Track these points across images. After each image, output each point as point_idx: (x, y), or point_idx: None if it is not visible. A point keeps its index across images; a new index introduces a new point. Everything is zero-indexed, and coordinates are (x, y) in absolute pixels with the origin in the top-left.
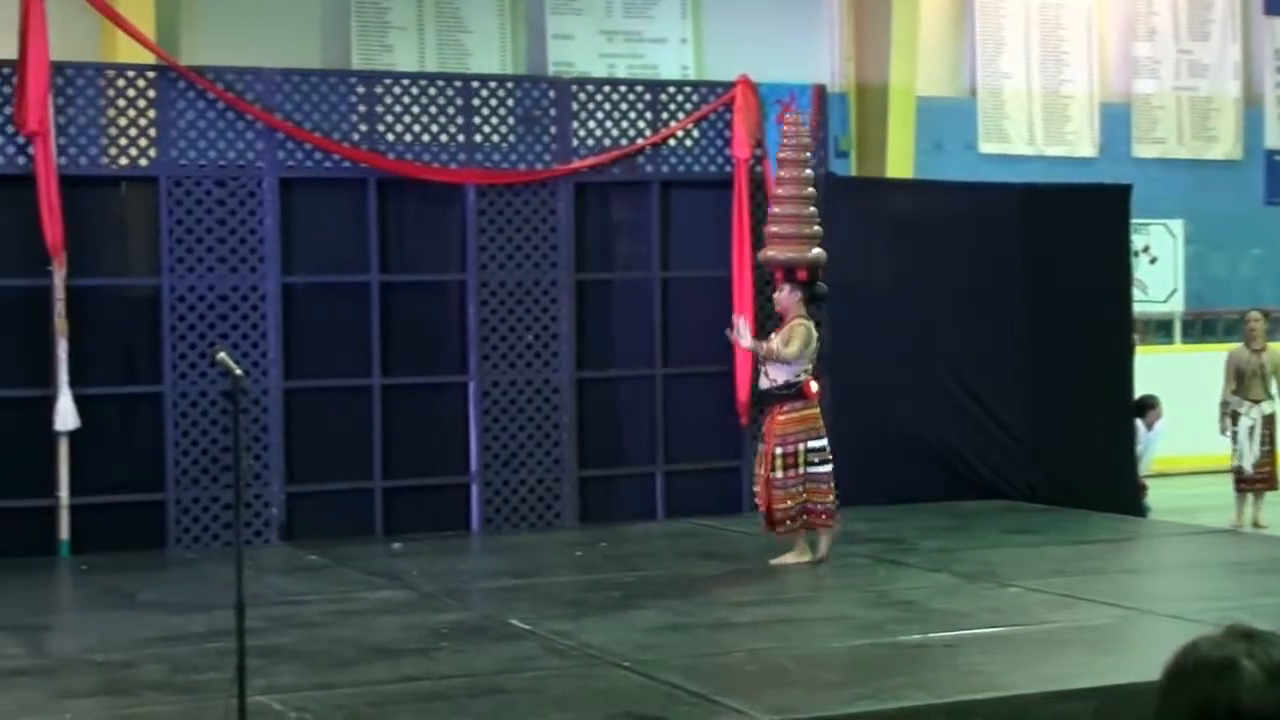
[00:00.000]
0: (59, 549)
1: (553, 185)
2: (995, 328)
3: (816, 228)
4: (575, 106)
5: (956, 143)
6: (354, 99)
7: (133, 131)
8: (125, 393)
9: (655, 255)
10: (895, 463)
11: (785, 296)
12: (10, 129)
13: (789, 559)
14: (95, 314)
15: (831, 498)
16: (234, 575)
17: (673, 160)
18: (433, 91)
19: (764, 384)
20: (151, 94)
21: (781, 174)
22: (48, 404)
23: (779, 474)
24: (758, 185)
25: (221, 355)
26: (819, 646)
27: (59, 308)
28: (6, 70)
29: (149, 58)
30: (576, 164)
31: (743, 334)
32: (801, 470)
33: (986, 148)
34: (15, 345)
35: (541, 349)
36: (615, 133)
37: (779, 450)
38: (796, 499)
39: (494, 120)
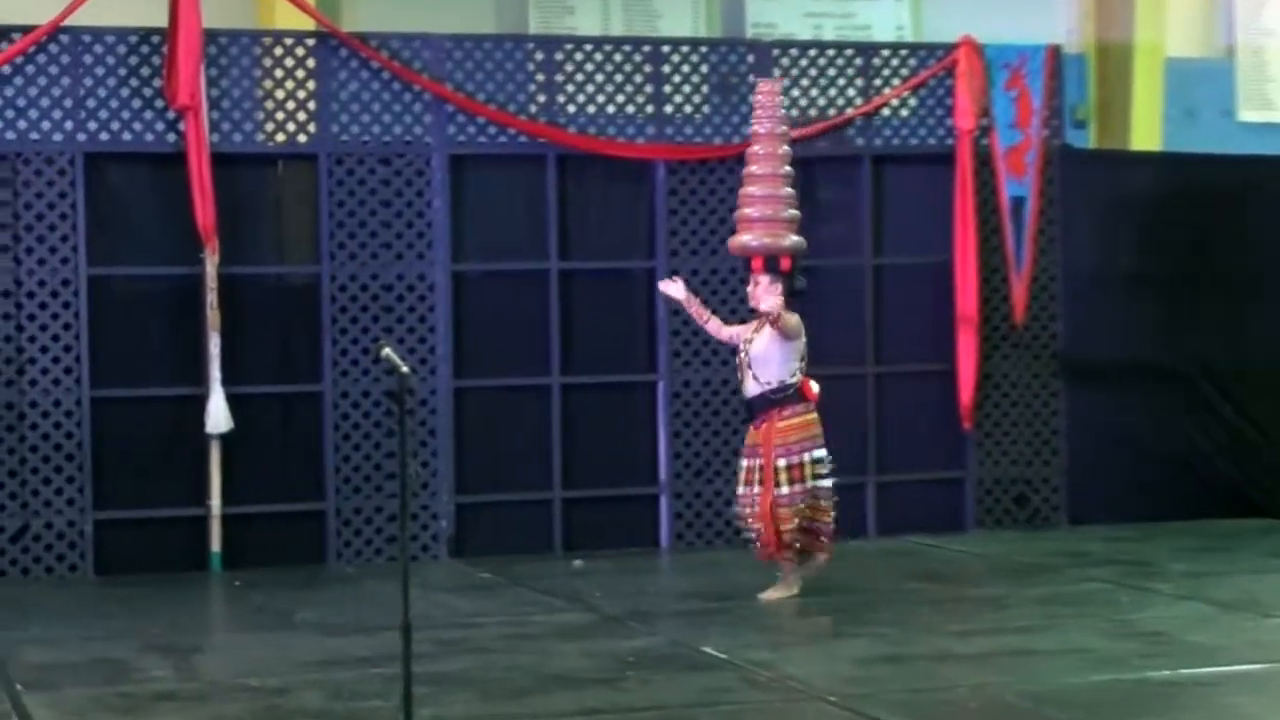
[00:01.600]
0: (210, 562)
1: None
2: (1258, 321)
3: (794, 211)
4: (777, 72)
5: (1212, 109)
6: (531, 67)
7: (290, 105)
8: (281, 392)
9: (866, 239)
10: (1138, 476)
11: (765, 289)
12: (159, 103)
13: (778, 592)
14: (249, 305)
15: (831, 518)
16: (399, 594)
17: (886, 132)
18: (618, 58)
19: (753, 388)
20: (311, 64)
21: (756, 149)
22: (198, 404)
23: (784, 490)
24: (983, 160)
25: (386, 351)
26: (1054, 682)
27: (211, 298)
28: (155, 40)
29: (308, 24)
30: None
31: (675, 286)
32: (809, 484)
33: (1247, 115)
34: (163, 339)
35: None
36: (822, 101)
37: (782, 462)
38: (803, 517)
39: (686, 89)
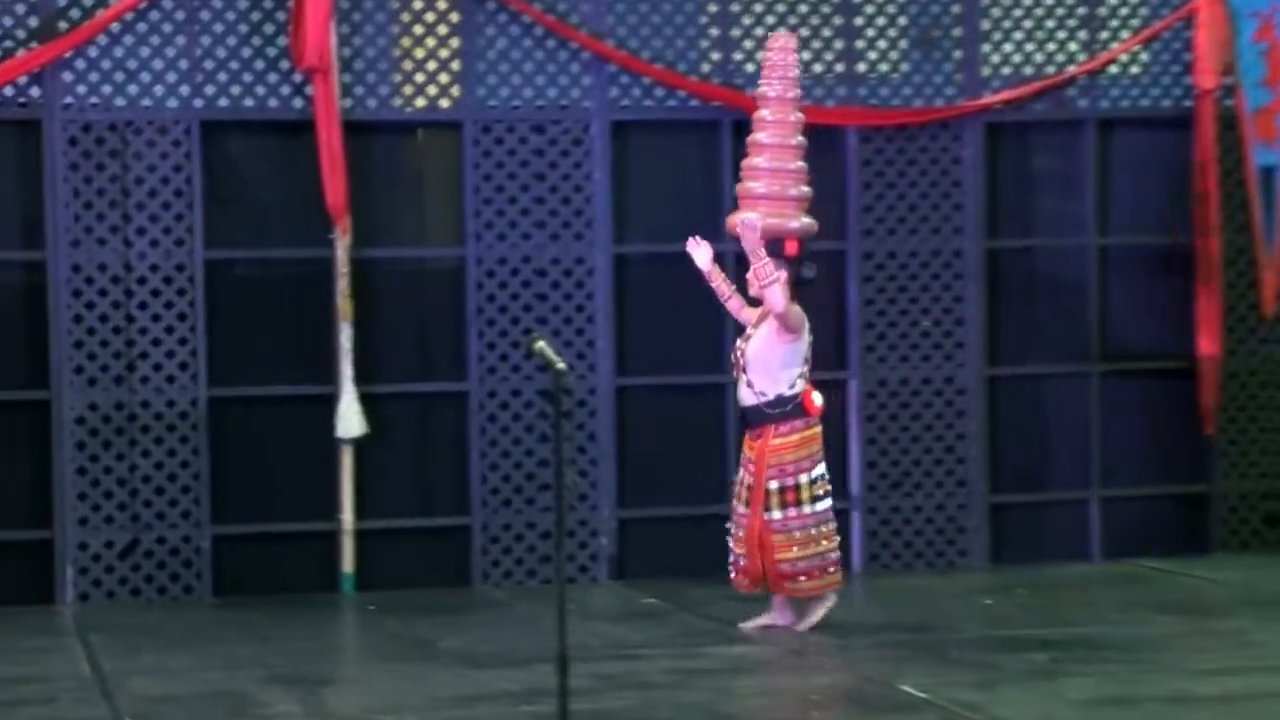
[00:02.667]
0: (341, 583)
1: (957, 127)
2: None
3: (805, 188)
4: (986, 24)
5: None
6: (704, 20)
7: (431, 66)
8: (421, 391)
9: (1090, 216)
10: None
11: (761, 263)
12: (285, 65)
13: (761, 621)
14: (385, 293)
15: (835, 544)
16: (553, 621)
17: (1114, 93)
18: (803, 8)
19: (747, 398)
20: (454, 19)
21: (764, 114)
22: (327, 405)
23: (776, 515)
24: (1227, 124)
25: (540, 344)
26: None
27: (341, 285)
28: None
29: None
30: (988, 98)
31: (701, 250)
32: (806, 510)
33: None
34: (288, 331)
35: (942, 338)
36: (1039, 57)
37: (774, 485)
38: (809, 545)
39: (881, 44)
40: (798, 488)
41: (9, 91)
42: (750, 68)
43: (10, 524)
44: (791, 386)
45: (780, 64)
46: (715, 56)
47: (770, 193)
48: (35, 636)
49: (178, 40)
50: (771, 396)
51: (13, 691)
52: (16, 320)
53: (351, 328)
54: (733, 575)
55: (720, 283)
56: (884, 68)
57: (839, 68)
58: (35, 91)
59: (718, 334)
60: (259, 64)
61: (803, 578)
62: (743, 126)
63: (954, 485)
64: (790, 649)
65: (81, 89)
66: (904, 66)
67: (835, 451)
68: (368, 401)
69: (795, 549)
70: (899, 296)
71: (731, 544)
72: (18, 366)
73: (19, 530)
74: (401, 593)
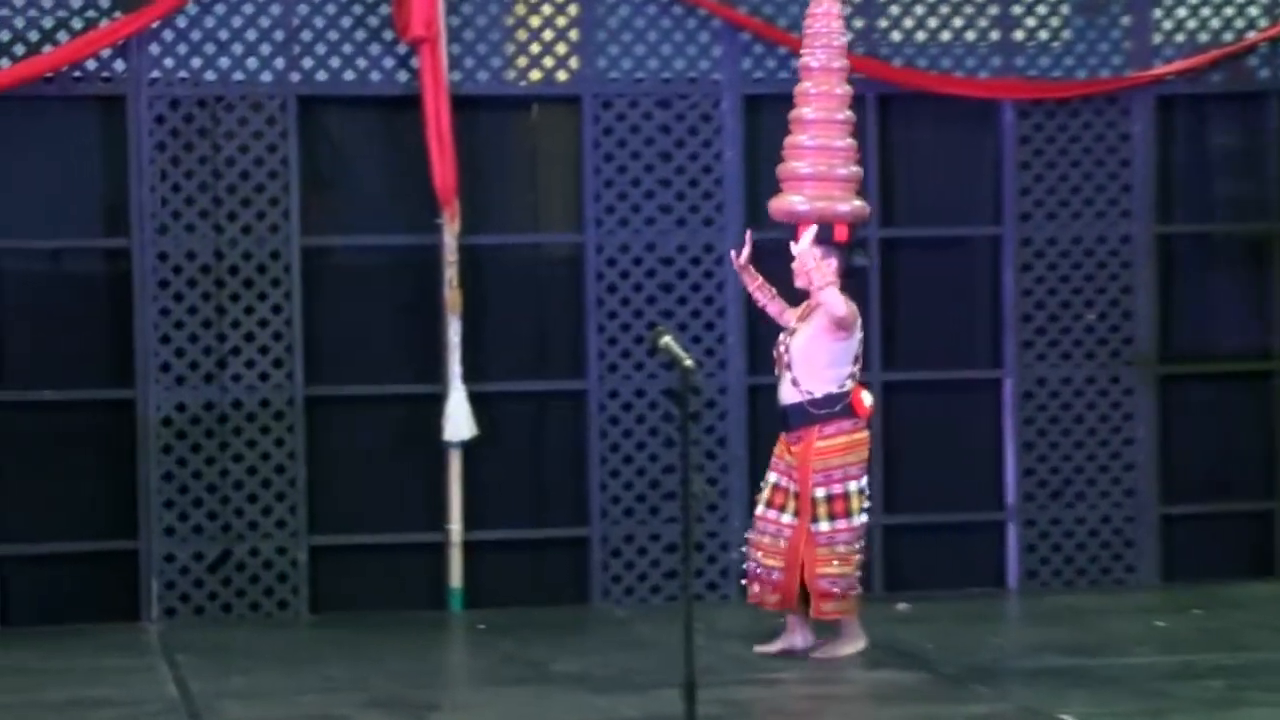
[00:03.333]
0: (449, 600)
1: (1125, 100)
2: None
3: (856, 167)
4: None
5: None
6: None
7: (548, 35)
8: (535, 390)
9: (1272, 198)
10: None
11: (815, 263)
12: (388, 35)
13: (844, 648)
14: (495, 283)
15: (859, 564)
16: (680, 642)
17: None
18: None
19: (790, 396)
20: None
21: (807, 87)
22: (434, 405)
23: (823, 526)
24: None
25: (665, 339)
26: None
27: (450, 275)
28: None
29: None
30: (1159, 69)
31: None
32: (856, 522)
33: None
34: (391, 325)
35: (1108, 333)
36: (1216, 23)
37: (821, 493)
38: (849, 562)
39: (1041, 9)
40: (846, 496)
41: (91, 65)
42: (896, 36)
43: (91, 534)
44: (841, 385)
45: (824, 31)
46: (857, 23)
47: (816, 173)
48: (118, 656)
49: (272, 9)
50: (819, 395)
51: (95, 715)
52: (98, 313)
53: (460, 321)
54: (754, 590)
55: (756, 288)
56: (1044, 35)
57: (994, 35)
58: (119, 65)
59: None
60: (360, 34)
61: (836, 597)
62: (888, 101)
63: (1121, 495)
64: (942, 674)
65: (169, 62)
66: (1066, 33)
67: (989, 457)
68: (478, 401)
69: (836, 564)
70: (1060, 287)
71: (757, 555)
72: (99, 363)
73: (101, 541)
74: (514, 610)
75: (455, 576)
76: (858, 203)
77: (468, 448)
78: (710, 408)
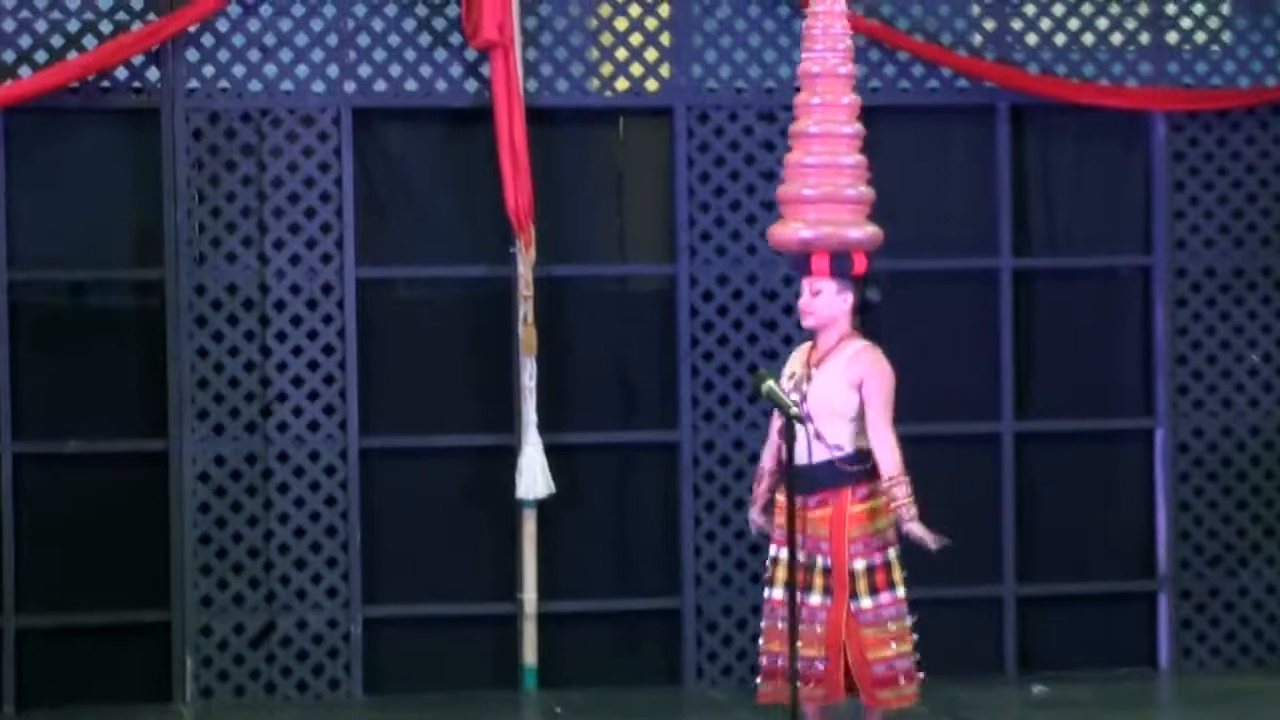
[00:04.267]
0: (522, 679)
1: None
2: None
3: (865, 187)
4: None
5: None
6: None
7: (636, 39)
8: (620, 442)
9: None
10: None
11: (830, 302)
12: (455, 39)
13: None
14: (575, 320)
15: (913, 644)
16: None
17: None
18: None
19: (815, 453)
20: None
21: (808, 98)
22: (505, 459)
23: (865, 602)
24: None
25: (769, 384)
26: None
27: (524, 310)
28: None
29: None
30: None
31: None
32: (899, 593)
33: None
34: (454, 367)
35: (1275, 376)
36: None
37: (861, 565)
38: (905, 639)
39: (1198, 9)
40: (888, 566)
41: (121, 74)
42: (1032, 39)
43: (119, 604)
44: (863, 441)
45: (826, 32)
46: (988, 25)
47: (822, 194)
48: None
49: (325, 10)
50: (850, 450)
51: None
52: (128, 353)
53: (535, 363)
54: (770, 685)
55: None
56: (1201, 38)
57: (1144, 38)
58: (153, 74)
59: (990, 370)
60: (424, 39)
61: (902, 681)
62: (1023, 113)
63: None
64: None
65: (209, 70)
66: (1226, 36)
67: (1138, 519)
68: (555, 454)
69: (894, 644)
70: (1219, 325)
71: (772, 644)
72: (129, 411)
73: (130, 611)
74: (595, 691)
75: (529, 652)
76: (870, 227)
77: (543, 507)
78: None
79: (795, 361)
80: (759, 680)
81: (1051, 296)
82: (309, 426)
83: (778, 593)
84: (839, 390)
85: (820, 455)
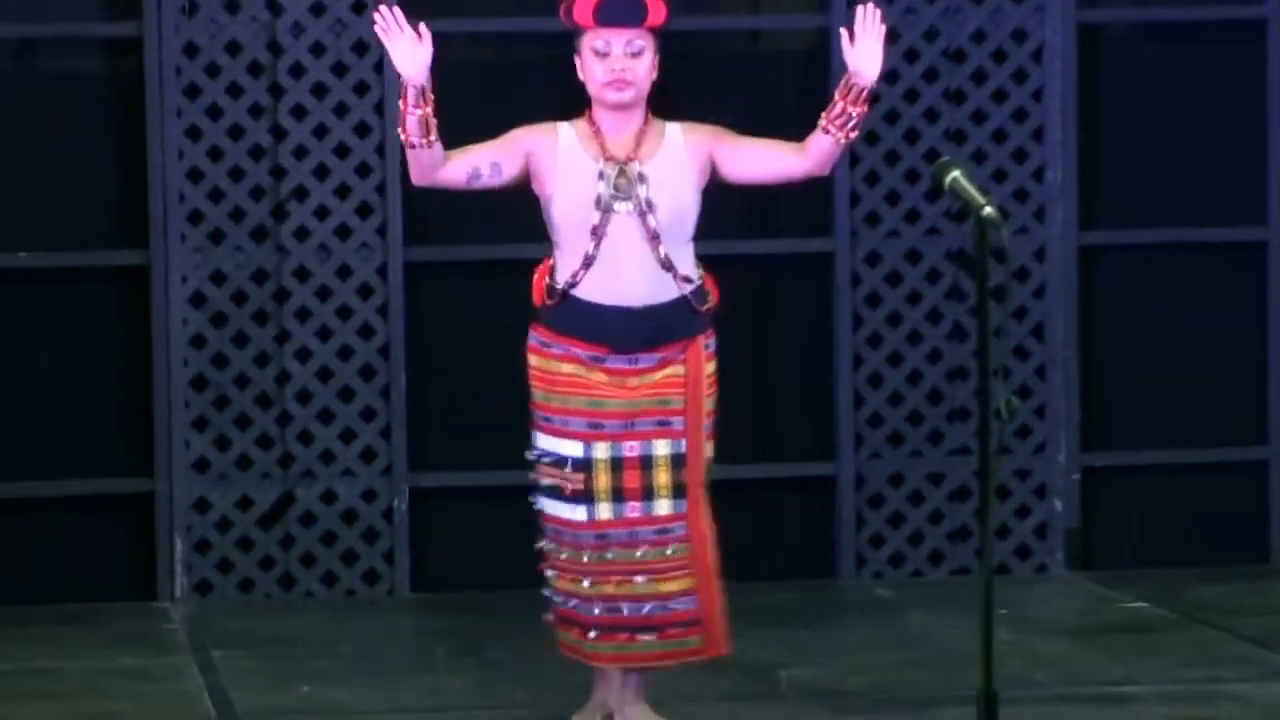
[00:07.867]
0: None
1: None
2: None
3: None
4: None
5: None
6: None
7: None
8: (761, 253)
9: None
10: None
11: (650, 68)
12: None
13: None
14: None
15: None
16: (974, 636)
17: None
18: None
19: (661, 288)
20: None
21: None
22: None
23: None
24: None
25: (954, 175)
26: None
27: None
28: None
29: None
30: None
31: None
32: None
33: None
34: None
35: None
36: None
37: (710, 449)
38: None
39: None
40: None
41: None
42: None
43: (86, 470)
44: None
45: None
46: None
47: None
48: (128, 652)
49: None
50: (697, 282)
51: None
52: (94, 135)
53: None
54: (572, 636)
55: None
56: None
57: None
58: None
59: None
60: None
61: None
62: None
63: None
64: None
65: None
66: None
67: None
68: None
69: None
70: None
71: (578, 583)
72: (96, 212)
73: (99, 479)
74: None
75: None
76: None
77: None
78: (1022, 279)
79: (583, 157)
80: (552, 621)
81: None
82: (337, 233)
83: (603, 510)
84: (686, 186)
85: (668, 292)
